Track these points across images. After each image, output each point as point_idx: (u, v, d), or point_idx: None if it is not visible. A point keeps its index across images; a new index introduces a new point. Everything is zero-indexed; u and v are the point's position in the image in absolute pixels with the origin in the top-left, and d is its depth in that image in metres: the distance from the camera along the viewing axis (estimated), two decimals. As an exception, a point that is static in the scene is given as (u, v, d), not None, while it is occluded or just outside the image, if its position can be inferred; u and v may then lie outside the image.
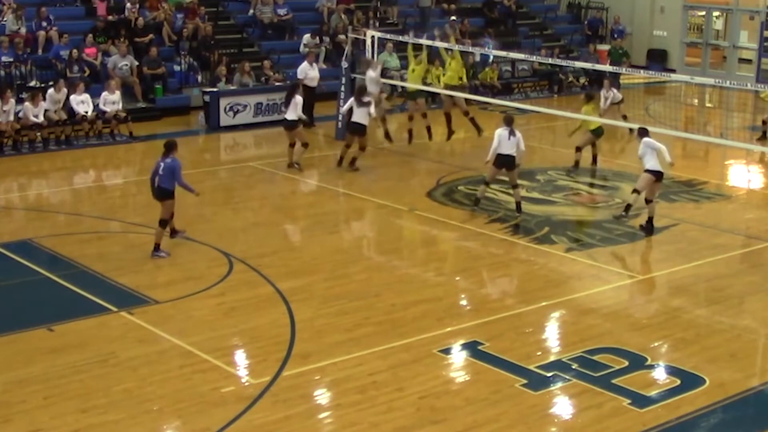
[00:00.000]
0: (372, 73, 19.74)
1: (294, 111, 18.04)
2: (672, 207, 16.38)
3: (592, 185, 18.14)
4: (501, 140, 15.26)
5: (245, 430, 8.89)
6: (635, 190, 15.12)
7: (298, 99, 18.10)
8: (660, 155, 14.84)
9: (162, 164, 13.21)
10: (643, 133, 15.06)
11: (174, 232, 13.85)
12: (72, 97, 20.11)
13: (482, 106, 23.36)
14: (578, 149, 18.58)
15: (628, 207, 15.31)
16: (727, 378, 10.09)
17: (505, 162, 15.39)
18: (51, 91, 20.02)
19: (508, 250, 14.19)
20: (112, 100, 20.48)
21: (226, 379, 9.87)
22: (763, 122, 21.71)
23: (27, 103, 19.45)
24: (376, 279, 12.92)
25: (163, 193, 13.28)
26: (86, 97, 20.27)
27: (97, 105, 20.42)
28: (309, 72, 21.89)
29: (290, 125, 18.23)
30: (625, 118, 21.17)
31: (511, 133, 15.24)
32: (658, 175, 14.85)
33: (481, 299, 12.41)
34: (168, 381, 9.75)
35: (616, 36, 30.32)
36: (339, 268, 13.34)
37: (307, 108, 20.61)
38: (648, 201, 14.95)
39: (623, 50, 29.05)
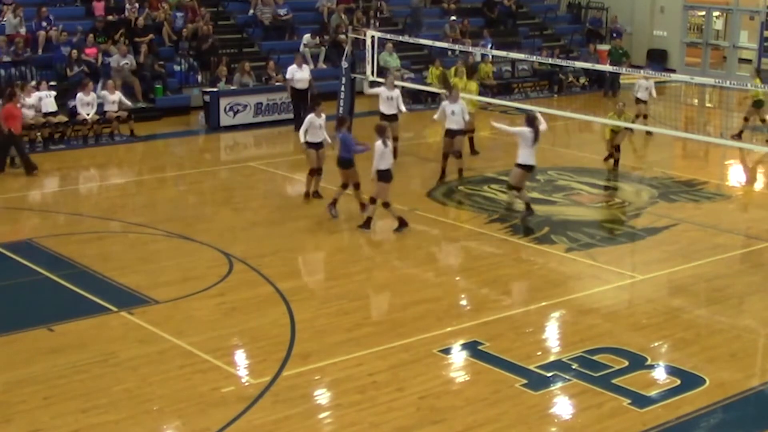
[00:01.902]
0: (387, 91, 18.51)
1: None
2: (672, 207, 16.37)
3: (592, 185, 18.12)
4: (382, 153, 14.32)
5: (245, 430, 8.89)
6: (513, 187, 15.50)
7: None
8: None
9: (338, 137, 15.11)
10: (530, 121, 15.19)
11: (363, 207, 14.92)
12: (79, 96, 20.06)
13: (482, 106, 23.32)
14: (617, 148, 18.66)
15: (509, 205, 15.78)
16: (727, 378, 10.09)
17: (388, 176, 14.47)
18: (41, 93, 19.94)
19: (508, 250, 14.18)
20: (112, 100, 20.45)
21: (226, 379, 9.87)
22: (745, 119, 21.70)
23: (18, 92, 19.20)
24: (376, 279, 12.92)
25: (342, 161, 15.02)
26: (93, 97, 20.20)
27: (99, 104, 20.41)
28: (296, 74, 21.59)
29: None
30: (645, 117, 21.73)
31: (385, 143, 14.34)
32: (529, 169, 15.26)
33: (481, 299, 12.40)
34: (168, 381, 9.75)
35: (616, 36, 30.31)
36: (339, 268, 13.35)
37: (296, 111, 20.89)
38: (518, 189, 15.37)
39: (623, 50, 29.04)
